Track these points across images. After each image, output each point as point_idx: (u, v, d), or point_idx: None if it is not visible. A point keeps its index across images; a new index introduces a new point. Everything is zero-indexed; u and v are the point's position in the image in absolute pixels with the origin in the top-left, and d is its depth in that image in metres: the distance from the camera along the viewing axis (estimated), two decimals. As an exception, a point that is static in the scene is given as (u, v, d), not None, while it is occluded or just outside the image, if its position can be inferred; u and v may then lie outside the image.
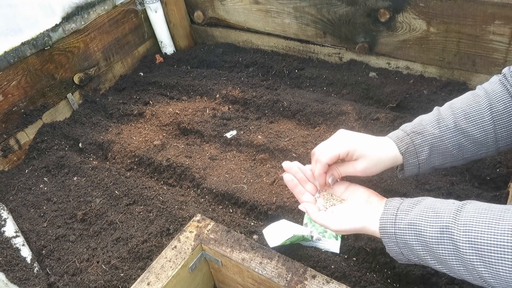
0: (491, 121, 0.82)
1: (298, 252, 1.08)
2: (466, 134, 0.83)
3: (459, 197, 1.16)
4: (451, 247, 0.65)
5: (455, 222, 0.65)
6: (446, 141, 0.84)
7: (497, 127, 0.82)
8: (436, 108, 0.89)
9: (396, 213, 0.74)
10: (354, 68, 1.75)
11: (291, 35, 1.88)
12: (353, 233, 0.81)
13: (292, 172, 0.90)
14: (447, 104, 0.88)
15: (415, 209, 0.73)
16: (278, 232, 1.06)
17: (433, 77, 1.61)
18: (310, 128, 1.52)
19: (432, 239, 0.67)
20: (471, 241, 0.62)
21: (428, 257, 0.70)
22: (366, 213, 0.80)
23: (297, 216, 1.18)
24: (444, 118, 0.85)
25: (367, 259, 1.06)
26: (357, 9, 1.61)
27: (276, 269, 0.91)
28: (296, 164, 0.91)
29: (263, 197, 1.25)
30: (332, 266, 1.03)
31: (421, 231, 0.69)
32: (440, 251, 0.66)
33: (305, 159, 1.34)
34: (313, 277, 0.88)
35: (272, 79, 1.82)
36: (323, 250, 1.09)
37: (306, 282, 0.88)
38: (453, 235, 0.64)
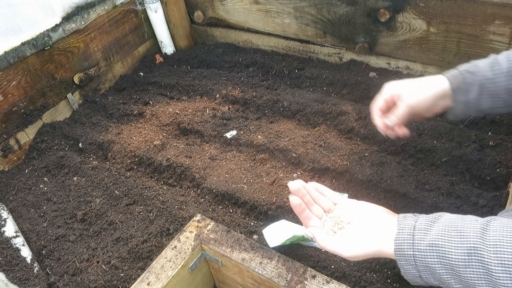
0: None
1: (298, 252, 1.08)
2: None
3: (459, 197, 1.16)
4: (481, 270, 0.60)
5: (483, 243, 0.60)
6: (497, 84, 0.85)
7: None
8: (493, 54, 0.91)
9: (413, 233, 0.68)
10: (354, 68, 1.75)
11: (291, 35, 1.88)
12: (368, 258, 0.76)
13: (300, 195, 0.84)
14: (504, 52, 0.90)
15: (434, 227, 0.67)
16: (278, 232, 1.06)
17: (433, 77, 1.61)
18: (310, 128, 1.52)
19: (458, 261, 0.62)
20: (504, 263, 0.57)
21: (452, 280, 0.64)
22: (378, 234, 0.73)
23: (297, 216, 1.18)
24: (499, 63, 0.87)
25: (367, 259, 1.06)
26: (357, 9, 1.61)
27: (276, 269, 0.91)
28: (301, 184, 0.85)
29: (263, 197, 1.25)
30: (332, 266, 1.03)
31: (445, 253, 0.63)
32: (468, 275, 0.61)
33: (305, 159, 1.34)
34: (313, 277, 0.88)
35: (272, 79, 1.82)
36: (323, 250, 1.09)
37: (306, 282, 0.88)
38: (483, 257, 0.59)
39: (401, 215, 0.75)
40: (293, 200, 0.83)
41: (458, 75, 0.90)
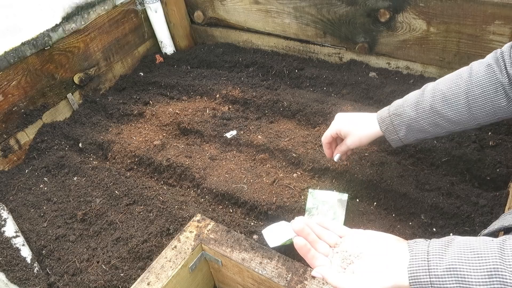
0: (466, 105, 0.91)
1: (298, 252, 1.07)
2: (441, 114, 0.94)
3: (459, 197, 1.16)
4: None
5: (503, 264, 0.58)
6: (421, 122, 0.97)
7: (473, 109, 0.91)
8: (425, 85, 1.01)
9: (428, 258, 0.65)
10: (354, 68, 1.75)
11: (291, 35, 1.89)
12: None
13: (304, 235, 0.80)
14: (435, 83, 0.98)
15: (449, 251, 0.64)
16: (278, 233, 1.06)
17: (433, 77, 1.61)
18: (310, 128, 1.52)
19: (479, 285, 0.59)
20: None
21: None
22: (392, 266, 0.69)
23: (297, 216, 1.18)
24: (423, 101, 0.97)
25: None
26: (357, 9, 1.61)
27: (276, 269, 0.91)
28: (304, 222, 0.81)
29: (263, 197, 1.25)
30: (332, 266, 1.02)
31: (464, 277, 0.61)
32: None
33: (305, 159, 1.34)
34: (313, 277, 0.88)
35: (272, 79, 1.82)
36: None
37: (306, 282, 0.88)
38: (506, 278, 0.57)
39: (411, 241, 0.71)
40: (297, 242, 0.79)
41: (386, 119, 1.03)
